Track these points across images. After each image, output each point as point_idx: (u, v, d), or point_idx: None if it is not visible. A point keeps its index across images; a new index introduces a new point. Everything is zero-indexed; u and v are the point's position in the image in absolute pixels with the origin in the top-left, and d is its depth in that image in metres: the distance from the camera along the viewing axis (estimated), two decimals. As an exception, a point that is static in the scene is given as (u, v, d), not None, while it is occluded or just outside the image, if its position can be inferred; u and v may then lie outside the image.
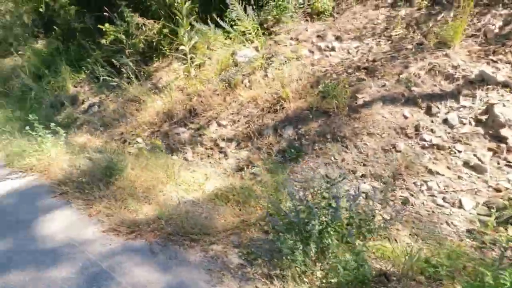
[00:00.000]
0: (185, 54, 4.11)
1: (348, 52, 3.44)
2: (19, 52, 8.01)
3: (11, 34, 8.70)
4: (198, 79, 3.84)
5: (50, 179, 2.52)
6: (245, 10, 3.71)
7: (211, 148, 3.05)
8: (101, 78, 4.76)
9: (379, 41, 3.37)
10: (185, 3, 3.69)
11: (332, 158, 2.45)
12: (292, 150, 2.63)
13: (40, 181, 2.55)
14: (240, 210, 1.85)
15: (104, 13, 4.88)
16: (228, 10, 4.20)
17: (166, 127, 3.50)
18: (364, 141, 2.44)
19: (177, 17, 3.85)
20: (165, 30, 4.35)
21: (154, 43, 4.46)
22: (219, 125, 3.25)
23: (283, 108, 3.00)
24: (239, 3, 3.70)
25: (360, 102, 2.72)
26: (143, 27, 4.31)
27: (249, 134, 2.97)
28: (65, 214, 1.98)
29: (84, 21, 5.21)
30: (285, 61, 3.48)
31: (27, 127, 3.11)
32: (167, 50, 4.47)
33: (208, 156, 2.99)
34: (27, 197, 2.28)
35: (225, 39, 4.10)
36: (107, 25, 4.59)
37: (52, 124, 2.98)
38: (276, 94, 3.14)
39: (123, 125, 3.86)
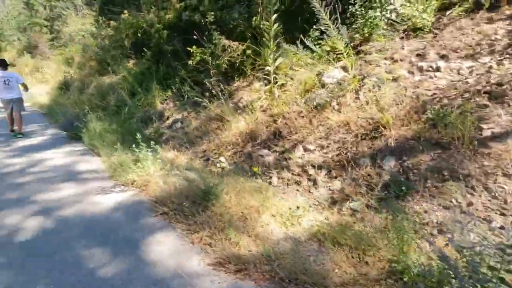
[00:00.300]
0: (266, 74, 4.12)
1: (459, 73, 2.99)
2: (116, 72, 9.20)
3: (109, 56, 10.10)
4: (281, 100, 3.78)
5: (149, 196, 2.65)
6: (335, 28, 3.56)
7: (298, 175, 2.89)
8: (185, 96, 5.08)
9: (501, 60, 2.85)
10: (273, 25, 3.71)
11: (454, 200, 2.06)
12: (398, 186, 2.30)
13: (140, 197, 2.69)
14: (353, 257, 1.62)
15: (193, 36, 5.24)
16: (312, 29, 4.12)
17: (249, 148, 3.48)
18: (499, 184, 1.99)
19: (263, 38, 3.90)
20: (248, 51, 4.44)
21: (237, 64, 4.59)
22: (306, 149, 3.09)
23: (382, 135, 2.69)
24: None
25: (487, 133, 2.27)
26: (229, 48, 4.47)
27: (342, 162, 2.73)
28: (169, 238, 2.01)
29: (173, 44, 5.69)
30: (380, 83, 3.18)
31: (129, 142, 3.45)
32: (249, 70, 4.56)
33: (296, 183, 2.83)
34: (130, 213, 2.40)
35: (309, 59, 3.99)
36: (194, 47, 4.90)
37: (152, 143, 3.16)
38: (372, 119, 2.86)
39: (206, 143, 3.98)
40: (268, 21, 4.07)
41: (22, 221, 2.36)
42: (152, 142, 3.18)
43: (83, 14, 23.07)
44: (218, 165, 3.54)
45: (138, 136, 3.16)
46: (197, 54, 4.83)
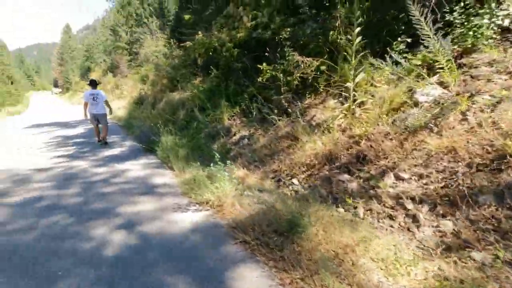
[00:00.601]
0: (342, 91, 3.82)
1: None
2: (184, 88, 9.82)
3: (178, 74, 10.89)
4: (362, 119, 3.42)
5: (225, 219, 2.52)
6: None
7: (392, 208, 2.47)
8: (253, 113, 5.02)
9: None
10: (356, 38, 3.42)
11: None
12: (544, 237, 1.75)
13: (216, 219, 2.58)
14: None
15: (263, 53, 5.22)
16: (396, 42, 3.72)
17: (326, 171, 3.17)
18: None
19: (344, 53, 3.63)
20: (323, 67, 4.21)
21: (309, 80, 4.39)
22: (398, 178, 2.66)
23: (509, 167, 2.15)
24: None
25: None
26: (302, 64, 4.30)
27: (451, 197, 2.24)
28: (254, 273, 1.81)
29: (243, 62, 5.78)
30: (496, 102, 2.62)
31: (198, 157, 3.46)
32: (322, 87, 4.30)
33: (389, 218, 2.42)
34: (208, 237, 2.29)
35: (393, 74, 3.58)
36: (264, 64, 4.86)
37: (229, 162, 3.09)
38: (492, 147, 2.33)
39: (276, 162, 3.79)
40: (347, 35, 3.81)
41: (108, 234, 2.43)
42: (229, 162, 3.10)
43: (157, 38, 25.84)
44: (290, 187, 3.31)
45: (215, 154, 3.10)
46: (267, 71, 4.77)
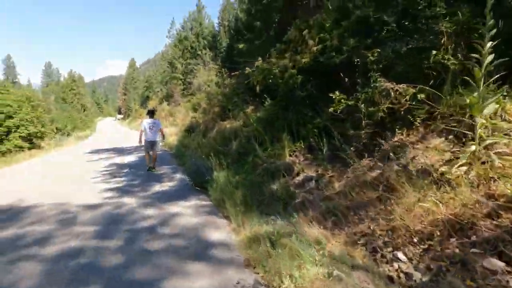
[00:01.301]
0: (452, 127, 2.81)
1: None
2: (236, 117, 9.46)
3: (230, 102, 10.68)
4: (502, 169, 2.35)
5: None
6: None
7: None
8: (324, 149, 4.18)
9: None
10: (487, 56, 2.46)
11: None
12: None
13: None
14: None
15: (332, 80, 4.44)
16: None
17: (456, 248, 2.13)
18: None
19: (465, 77, 2.68)
20: (421, 95, 3.27)
21: (401, 112, 3.45)
22: None
23: None
24: None
25: None
26: (392, 92, 3.42)
27: None
28: None
29: (307, 89, 5.08)
30: None
31: (256, 200, 2.70)
32: (418, 120, 3.33)
33: None
34: None
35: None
36: (337, 93, 4.08)
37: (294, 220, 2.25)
38: None
39: (365, 221, 2.83)
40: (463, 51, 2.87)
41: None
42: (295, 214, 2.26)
43: (209, 68, 27.16)
44: (396, 264, 2.31)
45: (278, 199, 2.29)
46: (342, 100, 3.98)
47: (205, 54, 28.11)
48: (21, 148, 15.78)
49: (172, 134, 17.96)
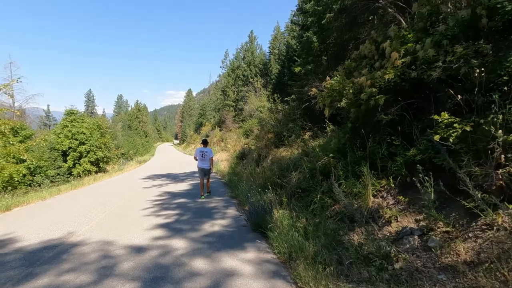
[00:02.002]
0: None
1: None
2: (292, 144, 8.63)
3: (285, 128, 9.96)
4: None
5: None
6: None
7: None
8: (429, 191, 3.05)
9: None
10: None
11: None
12: None
13: None
14: None
15: (426, 100, 3.39)
16: None
17: None
18: None
19: None
20: None
21: None
22: None
23: None
24: None
25: None
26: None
27: None
28: None
29: (391, 112, 4.05)
30: None
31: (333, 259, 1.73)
32: None
33: None
34: None
35: None
36: (444, 114, 3.01)
37: None
38: None
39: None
40: None
41: None
42: None
43: (260, 94, 27.39)
44: None
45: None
46: (454, 124, 2.89)
47: (256, 81, 28.56)
48: (89, 171, 17.13)
49: (223, 159, 17.84)
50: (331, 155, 4.78)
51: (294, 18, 30.35)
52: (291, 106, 10.94)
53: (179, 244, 3.79)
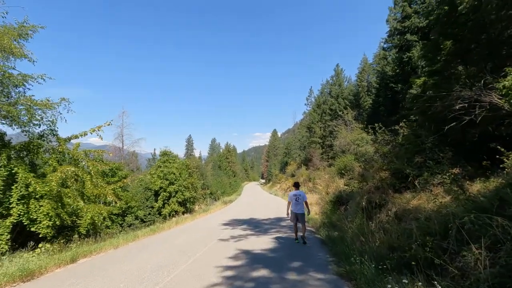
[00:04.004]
0: None
1: None
2: (425, 188, 5.57)
3: (409, 164, 6.91)
4: None
5: None
6: None
7: None
8: None
9: None
10: None
11: None
12: None
13: None
14: None
15: None
16: None
17: None
18: None
19: None
20: None
21: None
22: None
23: None
24: None
25: None
26: None
27: None
28: None
29: None
30: None
31: None
32: None
33: None
34: None
35: None
36: None
37: None
38: None
39: None
40: None
41: None
42: None
43: (351, 128, 24.19)
44: None
45: None
46: None
47: (347, 113, 25.58)
48: (176, 212, 16.99)
49: (312, 203, 15.09)
50: None
51: (385, 45, 27.17)
52: (411, 132, 7.89)
53: None
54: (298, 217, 6.83)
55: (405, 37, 19.52)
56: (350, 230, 6.68)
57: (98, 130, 9.53)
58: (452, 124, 5.20)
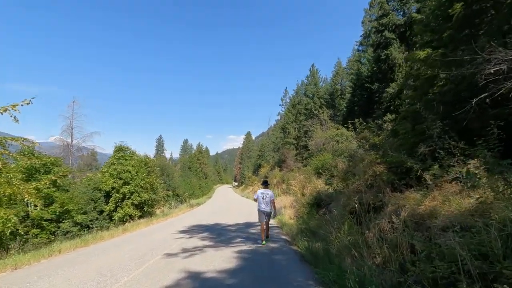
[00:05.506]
0: None
1: None
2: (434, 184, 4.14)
3: (409, 157, 5.52)
4: None
5: None
6: None
7: None
8: None
9: None
10: None
11: None
12: None
13: None
14: None
15: None
16: None
17: None
18: None
19: None
20: None
21: None
22: None
23: None
24: None
25: None
26: None
27: None
28: None
29: None
30: None
31: None
32: None
33: None
34: None
35: None
36: None
37: None
38: None
39: None
40: None
41: None
42: None
43: (327, 127, 23.22)
44: None
45: None
46: None
47: (322, 112, 24.63)
48: (130, 216, 14.62)
49: (286, 205, 13.56)
50: None
51: (359, 47, 26.88)
52: (409, 118, 6.60)
53: None
54: (265, 216, 6.68)
55: (384, 34, 18.94)
56: (336, 240, 5.13)
57: (12, 109, 7.22)
58: (482, 95, 3.82)
